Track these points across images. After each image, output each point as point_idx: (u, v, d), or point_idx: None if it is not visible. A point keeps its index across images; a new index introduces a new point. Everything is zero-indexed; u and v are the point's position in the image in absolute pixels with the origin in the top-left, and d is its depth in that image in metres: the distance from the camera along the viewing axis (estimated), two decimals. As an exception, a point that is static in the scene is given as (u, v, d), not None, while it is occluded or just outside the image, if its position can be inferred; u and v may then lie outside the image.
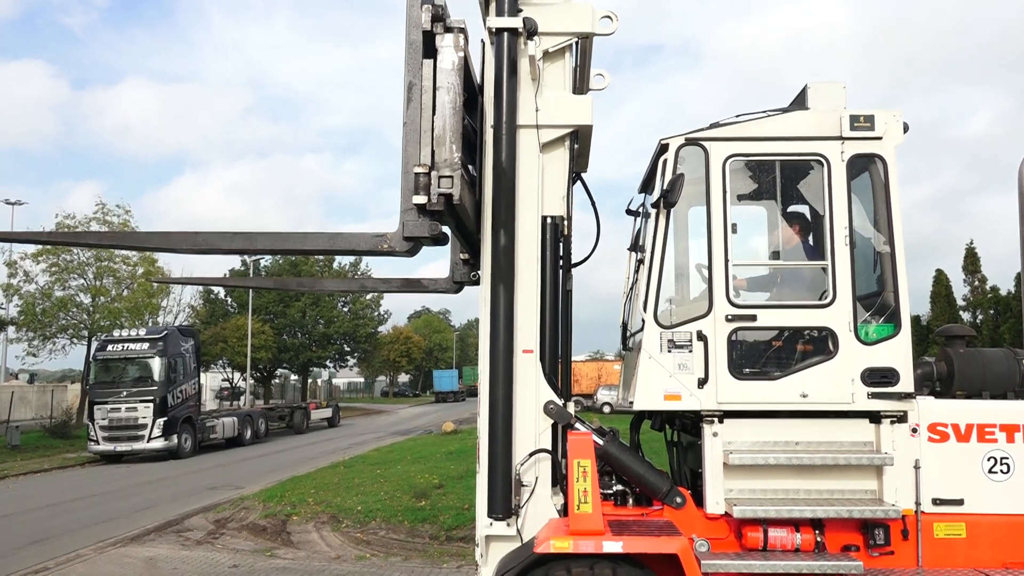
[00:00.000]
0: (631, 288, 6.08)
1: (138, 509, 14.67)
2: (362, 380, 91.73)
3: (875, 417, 4.90)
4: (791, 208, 5.49)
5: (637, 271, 5.78)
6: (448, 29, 4.60)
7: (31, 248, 31.23)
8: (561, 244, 5.23)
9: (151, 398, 23.30)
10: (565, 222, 5.21)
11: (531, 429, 4.97)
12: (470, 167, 5.28)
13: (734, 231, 5.01)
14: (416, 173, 4.39)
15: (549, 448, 4.98)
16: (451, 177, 4.37)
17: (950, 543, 4.83)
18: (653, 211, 5.20)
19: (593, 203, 5.80)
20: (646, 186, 6.06)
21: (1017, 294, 23.32)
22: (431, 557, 10.19)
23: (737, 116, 5.20)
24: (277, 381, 55.09)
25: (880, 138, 5.00)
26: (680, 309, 5.36)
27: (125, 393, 23.47)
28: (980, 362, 5.20)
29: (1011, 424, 4.90)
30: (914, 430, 4.91)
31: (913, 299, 5.00)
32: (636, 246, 6.18)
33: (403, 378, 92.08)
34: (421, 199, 4.38)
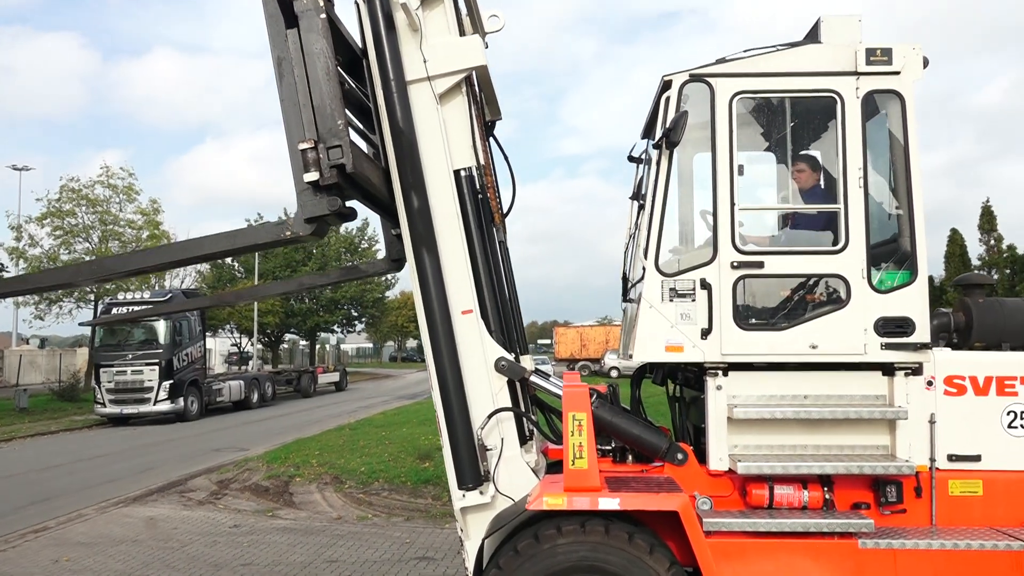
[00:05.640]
0: (633, 238, 5.80)
1: (142, 470, 14.66)
2: (370, 345, 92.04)
3: (888, 369, 4.65)
4: (801, 151, 5.18)
5: (639, 220, 5.50)
6: None
7: (36, 211, 31.08)
8: (481, 195, 4.98)
9: (156, 361, 23.33)
10: (482, 172, 4.97)
11: (486, 390, 4.75)
12: (372, 137, 5.04)
13: (740, 173, 4.71)
14: (302, 150, 4.11)
15: (509, 405, 4.77)
16: (339, 147, 4.10)
17: (966, 501, 4.60)
18: (655, 153, 4.90)
19: (504, 155, 5.60)
20: (648, 131, 5.74)
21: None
22: (433, 518, 10.09)
23: (745, 51, 4.87)
24: (286, 346, 55.20)
25: (898, 73, 4.67)
26: (683, 257, 5.09)
27: (131, 356, 23.51)
28: (1000, 312, 4.92)
29: None
30: (929, 383, 4.65)
31: (927, 262, 4.71)
32: (638, 194, 5.89)
33: (411, 343, 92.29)
34: (313, 176, 4.12)
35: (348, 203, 4.45)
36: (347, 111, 4.64)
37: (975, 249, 29.96)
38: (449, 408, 4.69)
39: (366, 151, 4.92)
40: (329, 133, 4.15)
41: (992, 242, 28.47)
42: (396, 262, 5.93)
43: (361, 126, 5.22)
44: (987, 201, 29.56)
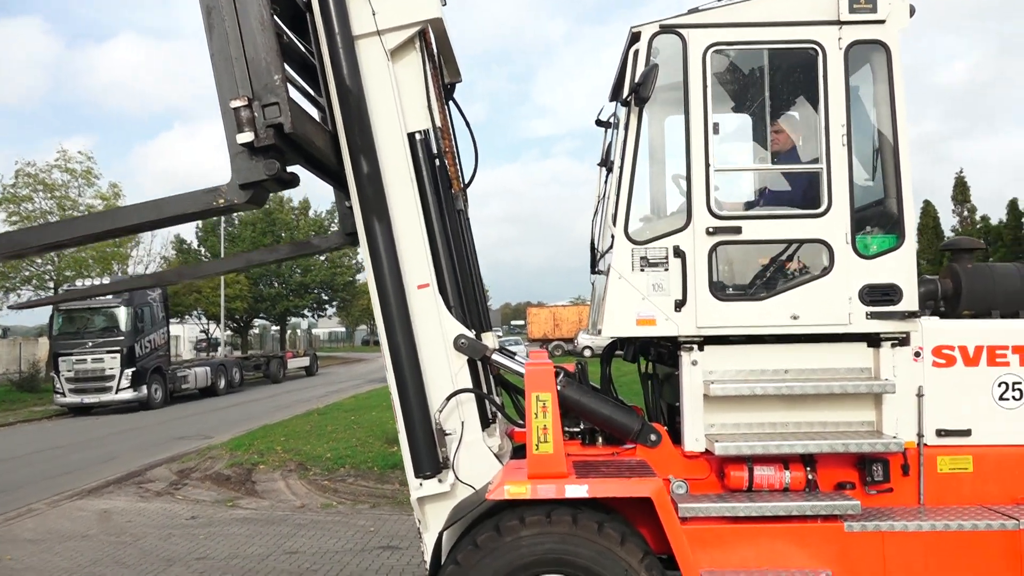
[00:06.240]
0: (601, 206, 5.44)
1: (101, 461, 14.13)
2: (343, 329, 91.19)
3: (874, 340, 4.35)
4: (780, 110, 4.84)
5: (607, 186, 5.14)
6: None
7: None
8: (439, 161, 4.62)
9: (118, 349, 22.64)
10: (439, 136, 4.61)
11: (444, 370, 4.40)
12: (319, 100, 4.64)
13: (716, 132, 4.37)
14: (235, 108, 3.70)
15: (470, 387, 4.41)
16: (276, 104, 3.69)
17: (955, 478, 4.34)
18: (623, 112, 4.54)
19: (465, 119, 5.17)
20: (616, 92, 5.37)
21: (1010, 222, 22.89)
22: (400, 504, 9.73)
23: (719, 0, 4.51)
24: (256, 332, 54.39)
25: (883, 21, 4.33)
26: (655, 224, 4.74)
27: (91, 344, 22.77)
28: (990, 278, 4.64)
29: None
30: (917, 354, 4.37)
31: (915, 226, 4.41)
32: (606, 160, 5.52)
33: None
34: (247, 137, 3.71)
35: (289, 168, 4.06)
36: (290, 69, 4.25)
37: (948, 221, 29.99)
38: (404, 390, 4.33)
39: (314, 116, 4.51)
40: (265, 89, 3.74)
41: (965, 213, 28.42)
42: (351, 235, 5.49)
43: (307, 87, 4.80)
44: (960, 172, 29.50)
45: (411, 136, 4.51)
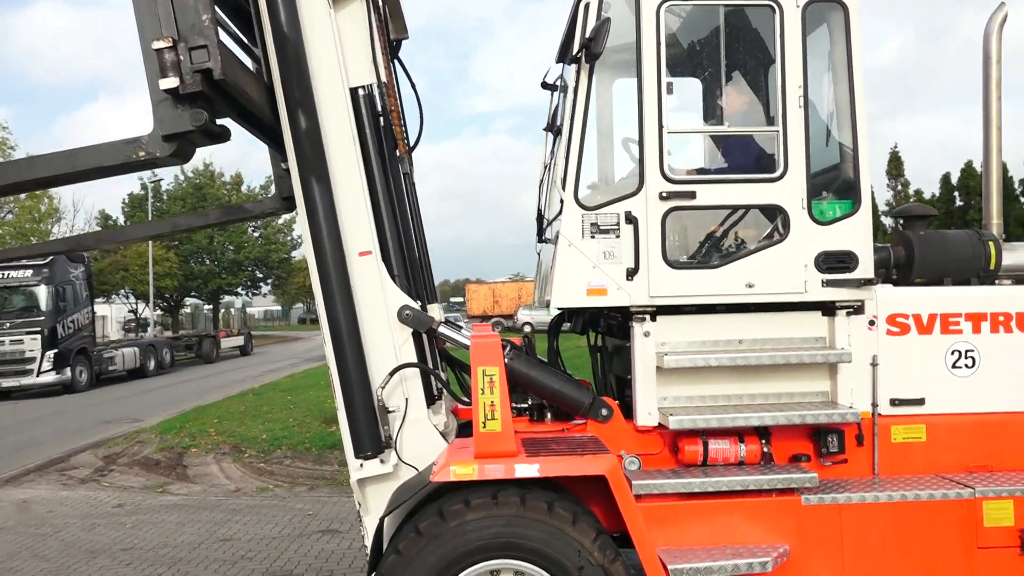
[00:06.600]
0: (548, 171, 5.20)
1: (20, 448, 13.38)
2: (279, 308, 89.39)
3: (829, 309, 4.24)
4: (734, 70, 4.66)
5: (555, 150, 4.91)
6: None
7: None
8: (384, 120, 4.34)
9: (38, 329, 21.52)
10: (384, 93, 4.32)
11: (387, 343, 4.13)
12: (255, 50, 4.32)
13: (670, 91, 4.16)
14: (158, 50, 3.35)
15: (414, 361, 4.17)
16: (204, 47, 3.36)
17: (908, 447, 4.27)
18: (573, 70, 4.29)
19: (410, 78, 4.85)
20: (564, 53, 5.12)
21: (943, 195, 23.46)
22: (339, 485, 9.42)
23: None
24: (187, 311, 52.83)
25: (841, -20, 4.18)
26: (605, 189, 4.52)
27: (8, 325, 21.58)
28: (942, 245, 4.56)
29: (977, 313, 4.32)
30: (871, 322, 4.27)
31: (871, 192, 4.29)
32: (553, 125, 5.28)
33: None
34: (171, 82, 3.37)
35: (219, 121, 3.72)
36: (221, 12, 3.91)
37: (882, 195, 30.54)
38: (344, 365, 4.04)
39: (249, 67, 4.16)
40: (192, 31, 3.38)
41: (899, 187, 28.90)
42: (288, 200, 5.11)
43: (240, 34, 4.44)
44: (895, 147, 29.92)
45: (354, 91, 4.19)
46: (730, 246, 4.34)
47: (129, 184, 46.39)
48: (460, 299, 72.46)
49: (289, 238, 50.20)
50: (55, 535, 7.96)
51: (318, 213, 4.02)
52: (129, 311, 46.92)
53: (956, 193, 23.55)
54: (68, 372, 22.04)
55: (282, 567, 6.58)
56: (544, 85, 5.41)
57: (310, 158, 4.02)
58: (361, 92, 4.22)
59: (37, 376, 21.49)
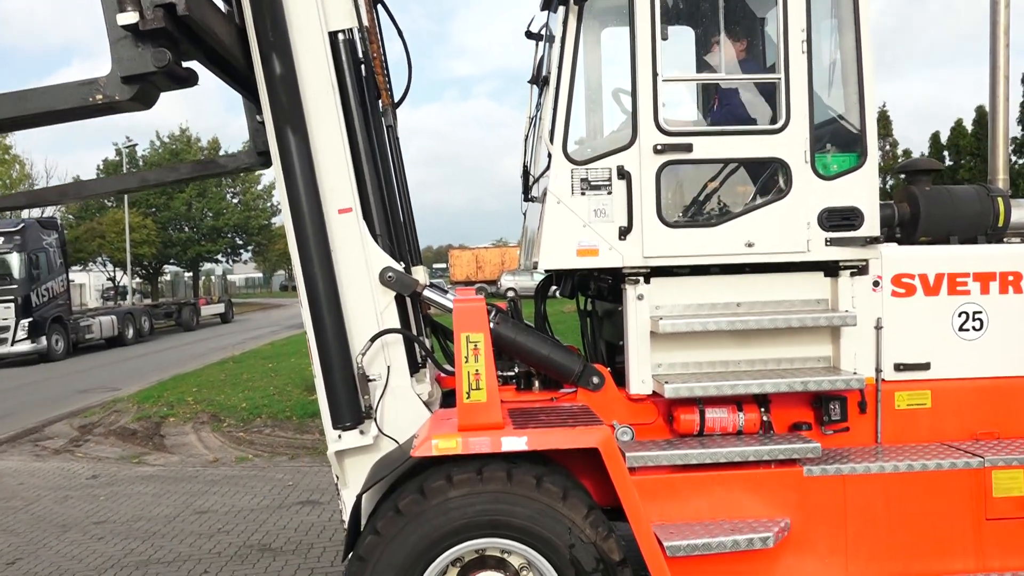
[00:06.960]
0: (534, 125, 4.90)
1: (-7, 418, 13.10)
2: (259, 275, 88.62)
3: (831, 269, 4.01)
4: (732, 16, 4.36)
5: (542, 102, 4.61)
6: None
7: None
8: (366, 67, 4.05)
9: (11, 298, 21.04)
10: (366, 38, 4.03)
11: (368, 308, 3.88)
12: None
13: (665, 37, 3.87)
14: None
15: (397, 327, 3.92)
16: None
17: (913, 414, 4.07)
18: (560, 14, 3.98)
19: (396, 25, 4.49)
20: (549, 0, 4.80)
21: (932, 155, 23.31)
22: (320, 454, 9.19)
23: None
24: (167, 278, 52.13)
25: (847, -85, 3.88)
26: (596, 143, 4.24)
27: (-20, 294, 21.13)
28: (949, 202, 4.33)
29: (986, 272, 4.10)
30: (876, 283, 4.05)
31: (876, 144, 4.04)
32: (538, 76, 4.97)
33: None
34: (131, 17, 3.09)
35: (186, 64, 3.43)
36: None
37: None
38: (322, 330, 3.80)
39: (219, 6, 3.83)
40: None
41: (888, 147, 28.70)
42: (263, 155, 4.79)
43: None
44: (884, 106, 29.61)
45: (333, 35, 3.90)
46: (728, 203, 4.08)
47: (104, 150, 45.36)
48: (443, 265, 72.09)
49: (269, 204, 49.45)
50: (25, 508, 7.70)
51: (294, 167, 3.74)
52: (108, 279, 46.27)
53: (946, 152, 23.42)
54: (44, 341, 21.60)
55: (260, 540, 6.36)
56: (528, 35, 5.08)
57: (286, 108, 3.73)
58: (341, 36, 3.93)
59: (12, 345, 21.07)
